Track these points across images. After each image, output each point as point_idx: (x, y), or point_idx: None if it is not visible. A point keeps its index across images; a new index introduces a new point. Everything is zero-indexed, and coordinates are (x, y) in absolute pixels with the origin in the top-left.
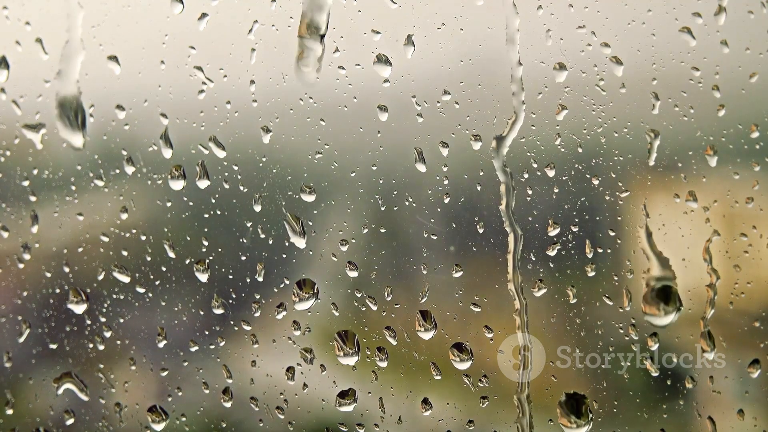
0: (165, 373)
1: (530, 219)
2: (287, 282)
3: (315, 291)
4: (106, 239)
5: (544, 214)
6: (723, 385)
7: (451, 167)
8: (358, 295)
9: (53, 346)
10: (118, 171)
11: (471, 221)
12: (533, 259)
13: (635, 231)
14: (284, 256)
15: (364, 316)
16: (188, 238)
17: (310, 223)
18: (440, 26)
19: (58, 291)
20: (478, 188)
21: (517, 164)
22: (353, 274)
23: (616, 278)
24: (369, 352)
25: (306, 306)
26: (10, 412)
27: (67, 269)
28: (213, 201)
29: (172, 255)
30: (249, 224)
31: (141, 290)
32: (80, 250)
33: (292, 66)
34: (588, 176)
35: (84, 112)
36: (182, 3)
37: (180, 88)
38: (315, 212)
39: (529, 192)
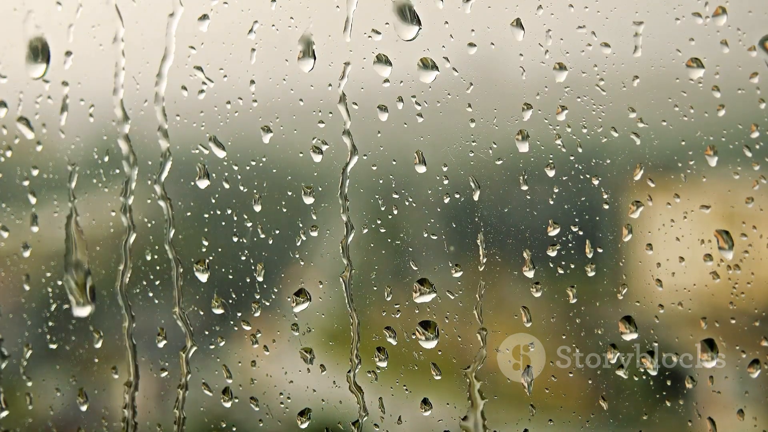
0: (165, 374)
1: (530, 219)
2: (288, 282)
3: (309, 297)
4: (105, 239)
5: (544, 214)
6: (723, 385)
7: (451, 167)
8: (358, 295)
9: (53, 346)
10: (118, 171)
11: (471, 221)
12: (533, 259)
13: (636, 231)
14: (284, 256)
15: (364, 316)
16: (188, 238)
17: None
18: (443, 25)
19: (57, 291)
20: (478, 187)
21: (517, 164)
22: (353, 274)
23: (616, 278)
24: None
25: (302, 308)
26: (7, 413)
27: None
28: (213, 201)
29: (172, 255)
30: (249, 224)
31: (141, 290)
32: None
33: (293, 66)
34: (588, 176)
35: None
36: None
37: (180, 88)
38: (315, 212)
39: (529, 192)
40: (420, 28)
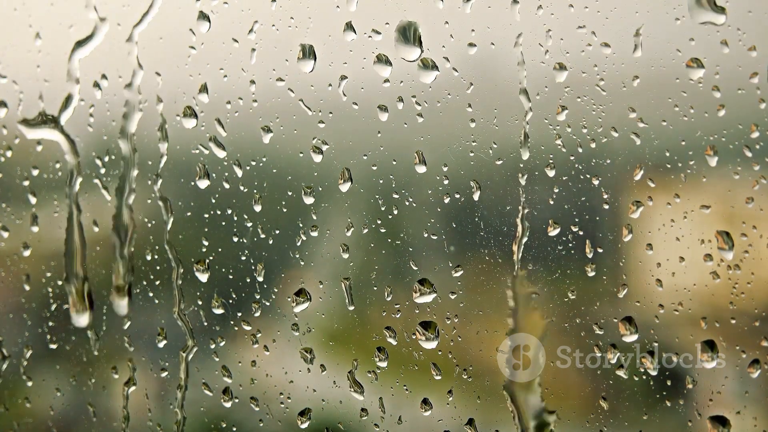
0: (165, 374)
1: (530, 219)
2: (288, 282)
3: (309, 297)
4: (105, 239)
5: (544, 214)
6: (723, 385)
7: (451, 167)
8: (358, 295)
9: (53, 346)
10: (117, 171)
11: (471, 221)
12: (533, 258)
13: (636, 231)
14: (284, 256)
15: (364, 316)
16: (188, 238)
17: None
18: (443, 25)
19: (57, 291)
20: (478, 188)
21: (517, 164)
22: (353, 274)
23: (616, 278)
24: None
25: (303, 308)
26: (7, 412)
27: (67, 269)
28: (213, 201)
29: (172, 255)
30: (249, 224)
31: (141, 290)
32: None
33: (292, 66)
34: (588, 176)
35: None
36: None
37: (180, 88)
38: (315, 212)
39: (529, 192)
40: (422, 51)
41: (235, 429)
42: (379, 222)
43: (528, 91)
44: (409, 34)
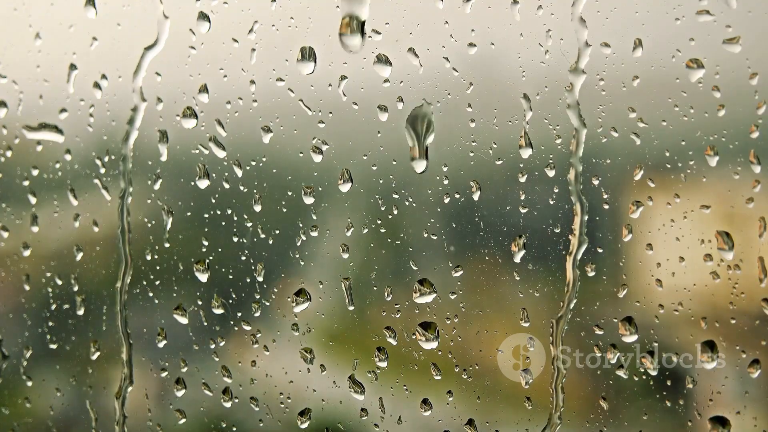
0: (165, 374)
1: (530, 219)
2: (288, 282)
3: (309, 297)
4: (105, 239)
5: (544, 214)
6: (723, 385)
7: (451, 167)
8: (358, 295)
9: (53, 346)
10: (118, 171)
11: (471, 221)
12: (533, 259)
13: (636, 231)
14: (284, 256)
15: (364, 316)
16: (188, 238)
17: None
18: (443, 25)
19: (57, 291)
20: (478, 188)
21: (517, 164)
22: (353, 273)
23: (616, 278)
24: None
25: (303, 308)
26: (8, 411)
27: (67, 269)
28: (213, 201)
29: (172, 255)
30: (249, 224)
31: (140, 290)
32: (80, 249)
33: (292, 66)
34: (588, 176)
35: None
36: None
37: (180, 88)
38: (315, 212)
39: (529, 192)
40: (427, 163)
41: (235, 429)
42: (379, 222)
43: (528, 91)
44: (421, 152)
